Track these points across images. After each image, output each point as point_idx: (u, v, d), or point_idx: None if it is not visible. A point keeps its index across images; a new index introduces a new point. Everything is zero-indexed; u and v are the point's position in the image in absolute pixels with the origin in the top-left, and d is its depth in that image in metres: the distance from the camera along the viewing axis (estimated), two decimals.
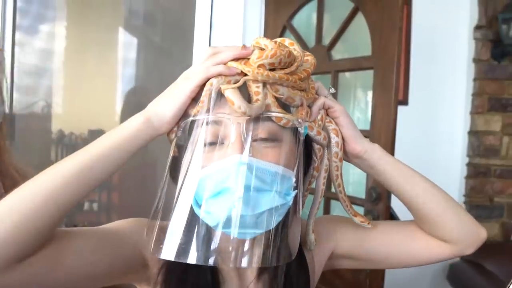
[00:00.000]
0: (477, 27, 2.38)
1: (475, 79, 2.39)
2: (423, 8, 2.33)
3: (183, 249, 0.55)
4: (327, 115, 0.70)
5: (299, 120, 0.62)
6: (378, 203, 1.67)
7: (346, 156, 0.72)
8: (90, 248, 0.59)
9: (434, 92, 2.38)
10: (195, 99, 0.60)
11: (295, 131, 0.62)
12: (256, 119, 0.59)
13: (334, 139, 0.70)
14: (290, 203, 0.60)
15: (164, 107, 0.59)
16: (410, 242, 0.79)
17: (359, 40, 1.86)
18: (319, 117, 0.68)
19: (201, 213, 0.57)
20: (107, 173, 0.57)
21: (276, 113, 0.60)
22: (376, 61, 1.69)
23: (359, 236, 0.80)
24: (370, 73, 1.74)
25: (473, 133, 2.40)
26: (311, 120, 0.67)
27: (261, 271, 0.72)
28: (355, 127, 0.71)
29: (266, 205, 0.57)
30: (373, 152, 0.71)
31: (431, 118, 2.39)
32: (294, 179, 0.60)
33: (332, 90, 0.73)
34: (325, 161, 0.71)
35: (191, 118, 0.59)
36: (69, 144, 2.95)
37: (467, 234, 0.75)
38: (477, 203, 2.41)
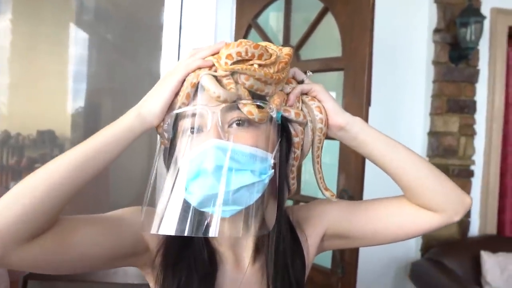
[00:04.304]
0: (436, 30, 2.44)
1: (434, 81, 2.45)
2: (384, 11, 2.35)
3: (172, 223, 0.62)
4: (306, 94, 0.75)
5: (271, 107, 0.67)
6: None
7: (331, 131, 0.75)
8: (94, 231, 0.66)
9: (394, 93, 2.43)
10: (179, 93, 0.67)
11: (269, 116, 0.68)
12: (230, 107, 0.65)
13: (318, 115, 0.73)
14: (266, 181, 0.65)
15: (152, 102, 0.66)
16: (398, 215, 0.80)
17: (328, 40, 1.85)
18: (298, 104, 0.73)
19: (185, 195, 0.63)
20: (106, 162, 0.64)
21: (248, 100, 0.65)
22: (346, 62, 1.68)
23: (348, 214, 0.82)
24: (337, 74, 1.73)
25: (432, 134, 2.46)
26: (289, 105, 0.72)
27: (256, 252, 0.77)
28: (335, 101, 0.75)
29: (241, 182, 0.62)
30: (355, 123, 0.75)
31: (392, 119, 2.42)
32: (271, 160, 0.66)
33: (310, 74, 0.77)
34: (310, 136, 0.75)
35: (174, 112, 0.66)
36: (16, 145, 2.75)
37: (452, 201, 0.76)
38: None
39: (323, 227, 0.83)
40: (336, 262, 1.69)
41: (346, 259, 1.66)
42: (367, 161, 1.63)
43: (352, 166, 1.66)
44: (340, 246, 0.88)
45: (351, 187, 1.65)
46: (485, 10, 2.46)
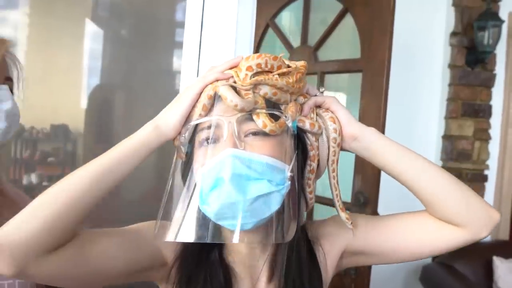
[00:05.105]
0: (453, 34, 2.43)
1: (450, 85, 2.44)
2: (401, 14, 2.34)
3: (186, 231, 0.63)
4: (319, 107, 0.75)
5: (286, 115, 0.67)
6: (365, 207, 1.65)
7: (345, 142, 0.73)
8: (113, 244, 0.67)
9: (410, 96, 2.42)
10: (196, 105, 0.67)
11: (285, 127, 0.67)
12: (247, 118, 0.65)
13: (332, 125, 0.72)
14: (284, 191, 0.64)
15: (169, 115, 0.67)
16: (419, 231, 0.76)
17: (346, 42, 1.85)
18: (312, 115, 0.73)
19: (202, 206, 0.63)
20: (123, 175, 0.64)
21: (267, 108, 0.66)
22: (365, 64, 1.68)
23: (368, 230, 0.79)
24: (349, 76, 1.73)
25: (447, 138, 2.45)
26: (303, 115, 0.71)
27: (272, 271, 0.75)
28: (348, 112, 0.74)
29: (258, 192, 0.61)
30: (370, 133, 0.72)
31: (407, 121, 2.41)
32: (288, 171, 0.65)
33: (322, 89, 0.74)
34: (325, 149, 0.74)
35: (190, 124, 0.67)
36: (30, 139, 2.77)
37: (477, 216, 0.71)
38: None
39: (342, 244, 0.80)
40: None
41: None
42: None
43: (368, 168, 1.66)
44: (359, 263, 0.84)
45: (367, 189, 1.65)
46: (503, 14, 2.44)
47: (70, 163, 2.19)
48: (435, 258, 2.45)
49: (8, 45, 0.86)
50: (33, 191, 1.85)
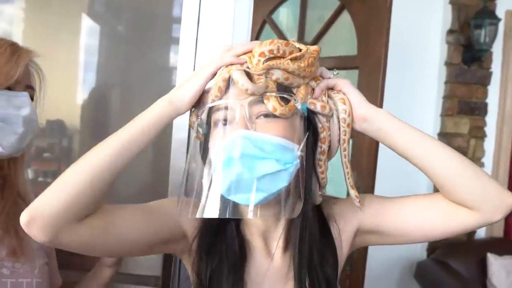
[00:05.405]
0: (450, 31, 2.43)
1: (446, 82, 2.45)
2: (398, 11, 2.34)
3: (203, 208, 0.67)
4: (332, 89, 0.76)
5: (296, 98, 0.70)
6: None
7: (355, 123, 0.75)
8: (137, 217, 0.72)
9: (406, 93, 2.42)
10: (212, 86, 0.71)
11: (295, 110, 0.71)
12: (258, 101, 0.68)
13: (341, 106, 0.74)
14: (291, 170, 0.67)
15: (184, 90, 0.71)
16: (431, 212, 0.76)
17: (342, 38, 1.85)
18: (324, 98, 0.75)
19: (216, 183, 0.67)
20: (140, 148, 0.69)
21: (277, 92, 0.69)
22: (361, 61, 1.68)
23: (381, 209, 0.80)
24: (345, 73, 1.73)
25: (442, 135, 2.46)
26: (315, 97, 0.74)
27: (287, 243, 0.79)
28: (360, 94, 0.75)
29: (266, 170, 0.65)
30: (380, 114, 0.74)
31: (402, 118, 2.39)
32: (298, 151, 0.68)
33: (336, 72, 0.78)
34: (336, 130, 0.75)
35: (206, 106, 0.71)
36: None
37: (490, 199, 0.71)
38: None
39: (356, 222, 0.81)
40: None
41: (355, 257, 1.67)
42: (379, 159, 1.64)
43: (364, 163, 1.66)
44: (372, 242, 0.85)
45: (364, 184, 1.66)
46: (500, 12, 2.45)
47: (65, 159, 2.18)
48: (429, 254, 2.46)
49: (32, 55, 0.90)
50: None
